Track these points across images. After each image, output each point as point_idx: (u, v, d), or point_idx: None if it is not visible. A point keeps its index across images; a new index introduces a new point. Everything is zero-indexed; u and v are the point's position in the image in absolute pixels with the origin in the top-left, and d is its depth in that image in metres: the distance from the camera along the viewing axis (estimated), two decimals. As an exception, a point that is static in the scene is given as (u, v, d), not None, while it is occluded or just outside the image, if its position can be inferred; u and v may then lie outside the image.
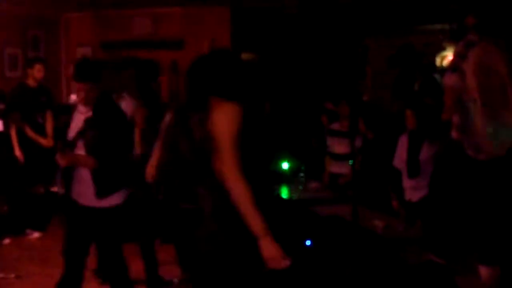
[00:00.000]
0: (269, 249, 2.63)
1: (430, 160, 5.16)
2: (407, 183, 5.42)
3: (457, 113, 3.96)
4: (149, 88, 4.97)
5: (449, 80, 3.99)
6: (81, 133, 3.71)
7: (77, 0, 7.55)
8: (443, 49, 8.37)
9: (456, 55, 3.95)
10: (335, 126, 6.28)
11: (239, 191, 2.56)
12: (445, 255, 4.49)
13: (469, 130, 3.87)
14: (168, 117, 3.48)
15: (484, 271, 3.95)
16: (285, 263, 2.69)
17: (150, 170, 3.52)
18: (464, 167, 3.96)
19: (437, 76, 8.24)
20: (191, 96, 2.75)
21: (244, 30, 8.26)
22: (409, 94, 7.01)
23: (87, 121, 3.72)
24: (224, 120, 2.59)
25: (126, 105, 4.69)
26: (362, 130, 6.11)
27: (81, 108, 3.80)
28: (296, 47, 9.17)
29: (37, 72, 6.38)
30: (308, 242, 4.72)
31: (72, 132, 3.80)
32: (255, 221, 2.59)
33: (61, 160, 3.66)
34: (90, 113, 3.74)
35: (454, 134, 3.99)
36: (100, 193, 3.70)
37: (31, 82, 6.41)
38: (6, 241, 5.90)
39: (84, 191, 3.75)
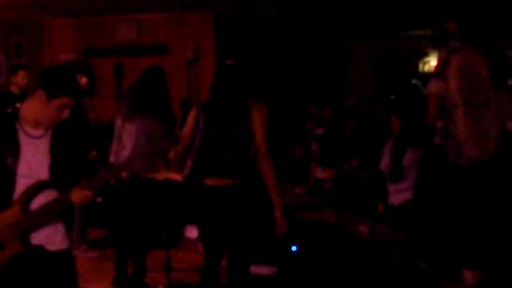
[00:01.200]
0: (281, 217, 3.74)
1: (414, 165, 5.20)
2: (390, 187, 5.47)
3: (440, 119, 4.00)
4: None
5: (433, 86, 4.03)
6: None
7: (61, 6, 7.51)
8: (426, 54, 8.46)
9: (439, 61, 3.99)
10: (319, 131, 6.30)
11: (271, 170, 3.68)
12: (429, 259, 4.52)
13: (451, 135, 3.91)
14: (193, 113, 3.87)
15: (468, 275, 3.98)
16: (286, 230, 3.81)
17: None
18: (446, 172, 4.00)
19: (417, 81, 8.33)
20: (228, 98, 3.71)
21: (228, 35, 8.27)
22: (393, 99, 7.07)
23: None
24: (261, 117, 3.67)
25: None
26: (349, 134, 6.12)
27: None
28: (280, 52, 9.21)
29: (20, 79, 6.33)
30: (294, 248, 4.73)
31: None
32: (276, 193, 3.70)
33: None
34: None
35: (437, 139, 4.03)
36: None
37: (14, 89, 6.36)
38: None
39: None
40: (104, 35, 8.39)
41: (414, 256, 4.45)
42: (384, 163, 5.55)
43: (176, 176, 4.42)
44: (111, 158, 4.93)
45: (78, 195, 2.61)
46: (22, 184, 2.63)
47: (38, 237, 2.67)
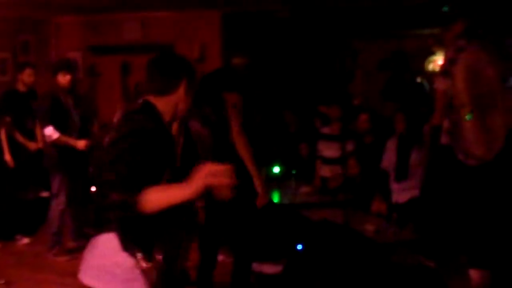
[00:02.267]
0: (261, 187, 4.08)
1: (419, 163, 5.19)
2: (394, 185, 5.46)
3: (447, 118, 3.98)
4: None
5: (440, 84, 4.02)
6: None
7: (67, 4, 7.52)
8: (433, 53, 8.42)
9: (446, 59, 3.98)
10: (326, 130, 6.29)
11: (246, 150, 4.00)
12: (436, 258, 4.51)
13: (459, 135, 3.89)
14: None
15: (475, 275, 3.97)
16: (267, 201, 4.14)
17: None
18: (454, 171, 3.98)
19: (423, 80, 8.30)
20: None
21: (235, 34, 8.26)
22: (400, 98, 7.04)
23: None
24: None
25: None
26: (361, 131, 6.09)
27: None
28: (287, 51, 9.19)
29: (27, 76, 6.35)
30: (299, 246, 4.73)
31: None
32: (253, 165, 4.02)
33: None
34: None
35: (444, 138, 4.02)
36: None
37: (20, 87, 6.38)
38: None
39: None
40: (110, 33, 8.40)
41: (421, 255, 4.44)
42: (387, 162, 5.54)
43: None
44: None
45: None
46: None
47: None
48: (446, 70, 3.96)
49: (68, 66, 5.71)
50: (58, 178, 5.54)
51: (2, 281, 4.92)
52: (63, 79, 5.56)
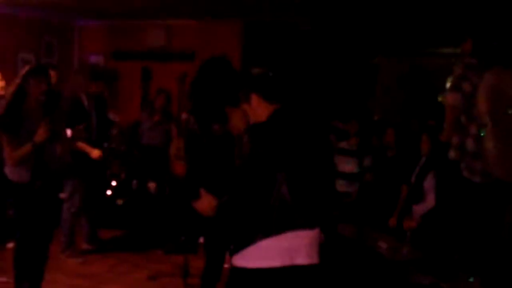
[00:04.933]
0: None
1: (433, 189, 5.15)
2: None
3: (456, 134, 3.97)
4: None
5: (450, 98, 4.02)
6: None
7: (92, 9, 7.61)
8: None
9: (455, 76, 3.98)
10: (343, 144, 6.27)
11: None
12: (448, 278, 4.47)
13: (465, 150, 3.87)
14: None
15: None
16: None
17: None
18: (461, 189, 3.96)
19: (444, 98, 8.27)
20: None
21: (255, 44, 8.28)
22: (423, 118, 6.99)
23: None
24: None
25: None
26: (386, 144, 6.05)
27: None
28: (306, 64, 9.19)
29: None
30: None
31: None
32: None
33: None
34: None
35: (452, 154, 3.99)
36: None
37: (43, 89, 6.45)
38: (10, 245, 5.90)
39: None
40: (133, 39, 8.47)
41: (433, 275, 4.40)
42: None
43: None
44: None
45: None
46: None
47: None
48: (455, 84, 3.96)
49: (100, 74, 5.80)
50: (72, 181, 5.56)
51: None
52: (96, 86, 5.66)
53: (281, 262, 2.45)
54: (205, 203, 2.67)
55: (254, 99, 2.70)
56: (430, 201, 5.20)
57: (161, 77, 7.83)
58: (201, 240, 5.66)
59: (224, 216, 2.71)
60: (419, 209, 5.27)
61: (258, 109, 2.69)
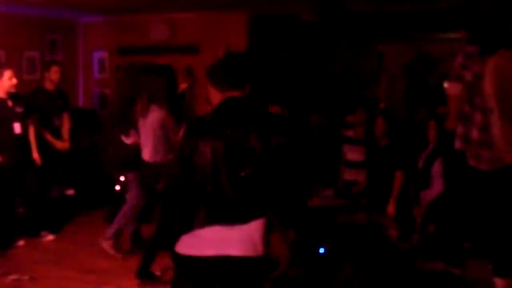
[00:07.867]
0: None
1: (441, 175, 5.14)
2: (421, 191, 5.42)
3: (460, 123, 3.94)
4: (175, 95, 5.00)
5: (452, 89, 3.98)
6: None
7: (95, 4, 7.60)
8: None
9: (457, 65, 3.93)
10: (350, 133, 6.25)
11: None
12: (459, 265, 4.46)
13: (471, 140, 3.85)
14: None
15: (499, 283, 3.92)
16: None
17: None
18: (468, 177, 3.94)
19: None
20: None
21: (260, 36, 8.26)
22: (428, 104, 6.95)
23: None
24: None
25: (157, 114, 4.74)
26: (378, 136, 6.00)
27: None
28: (312, 54, 9.17)
29: (53, 74, 6.42)
30: (321, 250, 4.71)
31: None
32: None
33: None
34: None
35: (457, 144, 3.97)
36: None
37: (48, 85, 6.46)
38: (21, 242, 5.93)
39: None
40: (137, 33, 8.46)
41: (445, 262, 4.40)
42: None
43: None
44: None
45: None
46: None
47: None
48: (457, 74, 3.92)
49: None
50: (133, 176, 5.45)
51: (27, 277, 4.99)
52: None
53: (214, 251, 2.53)
54: None
55: (208, 86, 2.71)
56: (437, 187, 5.19)
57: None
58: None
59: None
60: (427, 195, 5.26)
61: (213, 97, 2.70)
